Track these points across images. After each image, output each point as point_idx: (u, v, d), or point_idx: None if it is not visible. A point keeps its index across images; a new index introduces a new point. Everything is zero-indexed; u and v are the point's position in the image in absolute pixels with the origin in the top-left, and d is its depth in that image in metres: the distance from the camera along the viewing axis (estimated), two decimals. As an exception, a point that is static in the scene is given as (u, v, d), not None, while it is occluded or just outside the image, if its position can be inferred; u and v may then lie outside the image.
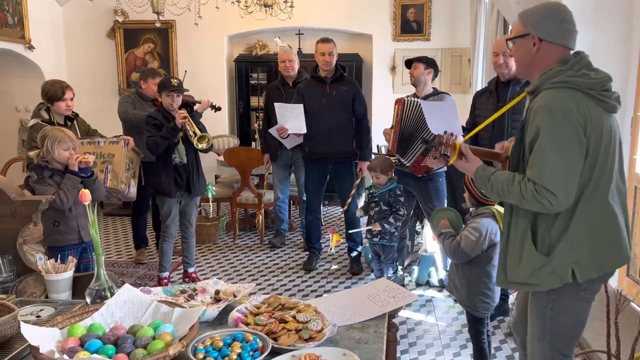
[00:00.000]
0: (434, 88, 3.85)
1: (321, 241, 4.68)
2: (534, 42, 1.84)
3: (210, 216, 5.35)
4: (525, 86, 3.13)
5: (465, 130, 3.48)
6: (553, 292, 1.87)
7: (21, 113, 5.95)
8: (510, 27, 4.50)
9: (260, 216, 5.05)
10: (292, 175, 5.05)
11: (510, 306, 3.50)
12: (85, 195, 1.81)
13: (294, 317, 1.68)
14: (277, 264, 4.66)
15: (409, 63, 3.83)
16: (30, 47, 5.64)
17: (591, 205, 1.79)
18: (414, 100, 3.47)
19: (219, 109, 4.18)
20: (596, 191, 1.79)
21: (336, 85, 4.21)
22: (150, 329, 1.48)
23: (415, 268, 4.21)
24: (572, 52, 1.87)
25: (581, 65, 1.80)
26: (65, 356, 1.35)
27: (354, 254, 4.44)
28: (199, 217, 4.89)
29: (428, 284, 4.13)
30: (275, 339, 1.56)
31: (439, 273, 4.10)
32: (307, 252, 4.75)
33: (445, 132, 2.04)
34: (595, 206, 1.80)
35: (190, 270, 4.12)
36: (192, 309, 1.57)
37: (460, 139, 3.30)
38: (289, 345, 1.53)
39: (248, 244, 5.20)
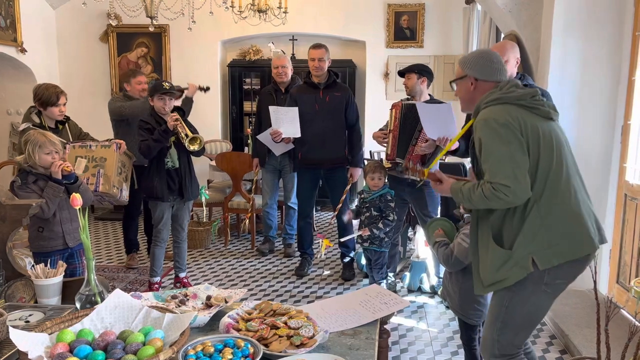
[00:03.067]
0: (430, 95, 3.85)
1: (313, 246, 4.68)
2: (470, 81, 2.17)
3: (203, 221, 5.33)
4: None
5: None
6: (516, 283, 2.00)
7: (12, 116, 5.91)
8: (502, 35, 4.54)
9: (247, 220, 5.04)
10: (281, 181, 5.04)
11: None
12: (77, 199, 1.80)
13: (285, 323, 1.68)
14: (269, 269, 4.64)
15: (402, 74, 3.85)
16: (22, 50, 5.61)
17: (543, 201, 1.97)
18: (412, 103, 3.48)
19: (207, 89, 4.14)
20: (545, 188, 1.97)
21: (329, 92, 4.22)
22: (141, 335, 1.47)
23: (407, 274, 4.21)
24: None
25: (510, 85, 2.06)
26: (54, 362, 1.34)
27: (347, 259, 4.43)
28: (190, 222, 4.87)
29: (420, 290, 4.14)
30: (266, 345, 1.56)
31: (430, 279, 4.10)
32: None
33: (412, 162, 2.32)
34: (548, 201, 1.97)
35: (182, 275, 4.10)
36: (183, 315, 1.56)
37: (454, 145, 3.33)
38: (281, 352, 1.53)
39: (240, 249, 5.18)
